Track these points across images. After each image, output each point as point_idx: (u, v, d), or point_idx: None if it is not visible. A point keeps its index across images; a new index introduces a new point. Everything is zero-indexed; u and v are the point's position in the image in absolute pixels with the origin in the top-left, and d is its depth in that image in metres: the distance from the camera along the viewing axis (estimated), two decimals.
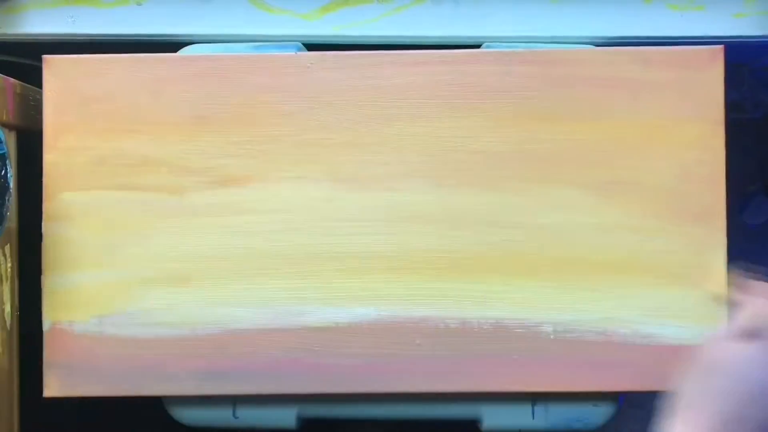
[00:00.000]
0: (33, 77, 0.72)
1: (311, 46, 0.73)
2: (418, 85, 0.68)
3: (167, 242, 0.68)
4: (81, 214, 0.68)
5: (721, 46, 0.68)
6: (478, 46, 0.72)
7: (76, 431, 0.91)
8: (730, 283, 0.67)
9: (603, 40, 0.74)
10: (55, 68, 0.69)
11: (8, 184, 0.66)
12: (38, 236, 0.69)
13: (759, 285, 0.53)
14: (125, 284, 0.68)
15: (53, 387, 0.68)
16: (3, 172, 0.65)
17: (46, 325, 0.68)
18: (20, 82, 0.72)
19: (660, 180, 0.68)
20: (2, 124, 0.68)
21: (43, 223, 0.68)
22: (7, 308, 0.69)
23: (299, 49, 0.72)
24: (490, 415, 0.70)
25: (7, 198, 0.66)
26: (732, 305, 0.54)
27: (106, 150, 0.68)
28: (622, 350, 0.67)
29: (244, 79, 0.68)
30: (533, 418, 0.70)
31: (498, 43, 0.73)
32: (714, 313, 0.67)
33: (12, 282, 0.70)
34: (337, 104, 0.68)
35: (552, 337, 0.67)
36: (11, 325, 0.69)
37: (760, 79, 1.05)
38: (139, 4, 0.74)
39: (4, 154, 0.66)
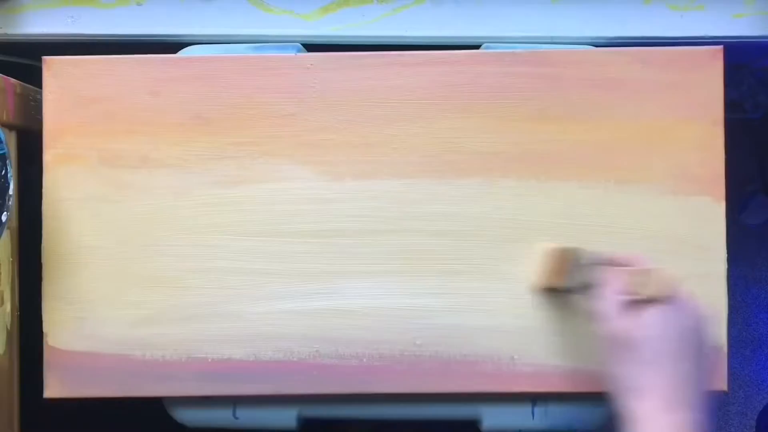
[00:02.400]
0: (33, 77, 0.72)
1: (311, 47, 0.73)
2: (418, 85, 0.68)
3: (167, 243, 0.68)
4: (81, 215, 0.68)
5: (721, 47, 0.68)
6: (478, 46, 0.72)
7: None
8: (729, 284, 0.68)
9: (603, 40, 0.74)
10: (54, 69, 0.69)
11: (8, 184, 0.66)
12: (38, 236, 0.69)
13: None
14: (125, 284, 0.68)
15: (54, 388, 0.68)
16: (3, 172, 0.65)
17: (46, 325, 0.68)
18: (20, 82, 0.72)
19: (660, 180, 0.68)
20: (2, 124, 0.68)
21: (43, 223, 0.69)
22: (7, 308, 0.69)
23: (299, 50, 0.72)
24: (490, 416, 0.70)
25: (7, 198, 0.66)
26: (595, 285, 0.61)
27: (105, 150, 0.68)
28: None
29: (243, 79, 0.68)
30: (533, 419, 0.70)
31: (498, 44, 0.73)
32: (713, 313, 0.67)
33: (12, 282, 0.70)
34: (337, 105, 0.68)
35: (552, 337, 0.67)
36: (11, 325, 0.69)
37: (760, 79, 1.05)
38: (139, 4, 0.74)
39: (4, 154, 0.66)
